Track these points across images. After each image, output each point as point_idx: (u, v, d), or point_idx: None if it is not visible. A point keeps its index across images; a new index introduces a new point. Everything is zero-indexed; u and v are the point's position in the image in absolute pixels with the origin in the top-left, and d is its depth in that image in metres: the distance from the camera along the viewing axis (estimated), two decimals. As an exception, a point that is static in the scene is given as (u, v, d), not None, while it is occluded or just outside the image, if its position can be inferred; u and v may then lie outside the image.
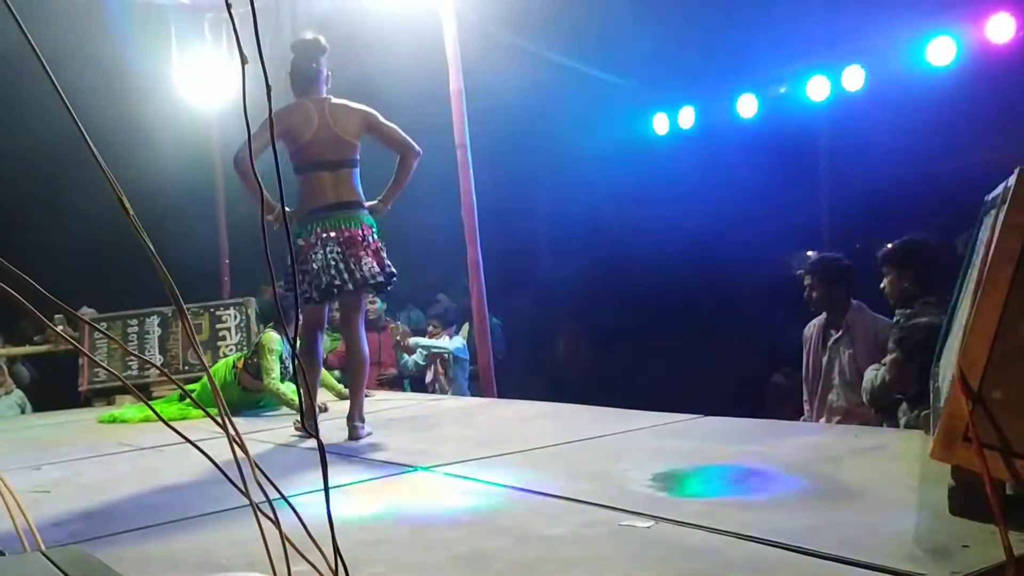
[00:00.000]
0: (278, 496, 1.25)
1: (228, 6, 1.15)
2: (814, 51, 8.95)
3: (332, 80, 4.65)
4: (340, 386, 6.39)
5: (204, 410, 1.34)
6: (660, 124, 10.84)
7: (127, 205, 1.10)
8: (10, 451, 4.97)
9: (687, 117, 10.48)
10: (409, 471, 3.52)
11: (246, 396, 6.13)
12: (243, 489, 1.19)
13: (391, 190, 4.72)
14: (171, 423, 1.45)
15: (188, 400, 6.14)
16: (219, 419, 1.29)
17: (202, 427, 1.45)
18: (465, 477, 3.31)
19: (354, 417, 4.43)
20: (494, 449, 3.85)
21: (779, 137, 9.33)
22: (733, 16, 8.79)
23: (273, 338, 6.07)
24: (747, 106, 9.70)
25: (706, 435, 3.94)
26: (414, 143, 4.63)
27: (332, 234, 4.39)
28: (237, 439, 1.15)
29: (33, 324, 9.33)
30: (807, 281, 5.26)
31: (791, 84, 9.36)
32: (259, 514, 1.20)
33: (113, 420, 6.24)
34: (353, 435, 4.37)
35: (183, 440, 3.87)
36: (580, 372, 10.75)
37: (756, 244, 9.09)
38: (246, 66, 1.35)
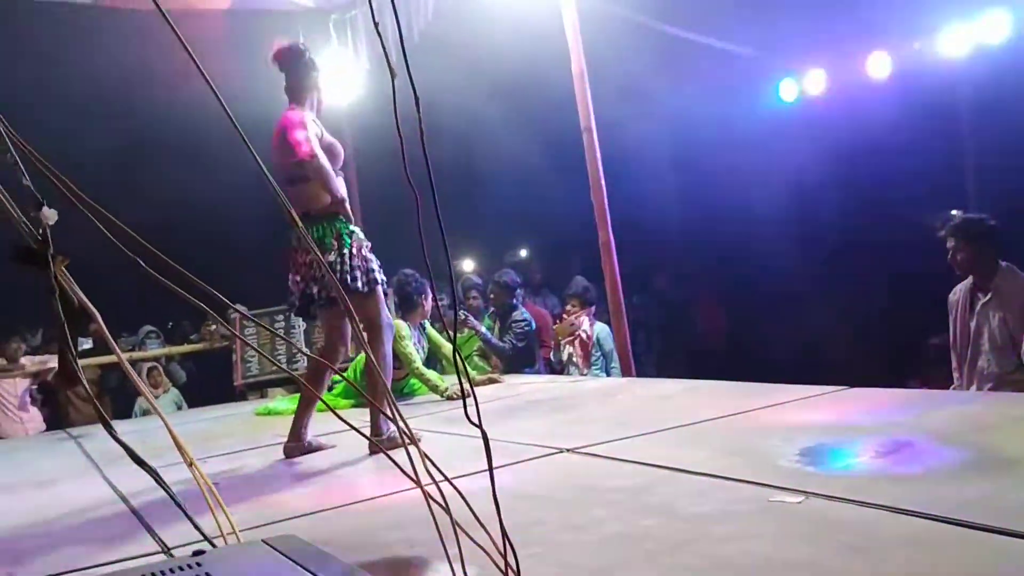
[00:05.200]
0: (443, 479, 1.33)
1: (376, 24, 1.23)
2: (948, 2, 8.54)
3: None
4: (473, 371, 6.56)
5: (368, 399, 1.43)
6: (788, 91, 10.57)
7: (293, 214, 1.19)
8: (172, 446, 5.29)
9: (816, 82, 10.19)
10: (554, 453, 3.60)
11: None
12: (413, 476, 1.27)
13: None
14: (330, 412, 1.54)
15: (336, 390, 6.46)
16: (381, 409, 1.38)
17: (353, 416, 1.55)
18: (610, 457, 3.36)
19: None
20: (637, 428, 3.88)
21: (916, 96, 8.95)
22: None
23: (401, 325, 6.26)
24: (879, 66, 9.35)
25: (852, 407, 3.87)
26: (296, 154, 4.17)
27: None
28: (407, 429, 1.24)
29: (191, 324, 9.91)
30: (950, 244, 5.08)
31: (925, 40, 8.96)
32: (429, 498, 1.28)
33: (268, 412, 6.57)
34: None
35: (336, 430, 4.08)
36: (719, 348, 10.64)
37: (898, 207, 8.78)
38: (373, 74, 1.42)
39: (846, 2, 8.92)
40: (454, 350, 1.42)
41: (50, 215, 1.12)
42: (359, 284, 4.18)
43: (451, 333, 7.37)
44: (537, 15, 7.00)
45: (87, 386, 1.12)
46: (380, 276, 4.32)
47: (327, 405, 1.58)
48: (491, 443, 1.35)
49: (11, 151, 1.13)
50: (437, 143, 1.51)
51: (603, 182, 6.40)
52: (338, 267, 4.16)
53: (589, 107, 6.42)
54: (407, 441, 1.28)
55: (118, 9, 8.16)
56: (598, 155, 6.40)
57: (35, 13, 7.95)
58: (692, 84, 10.10)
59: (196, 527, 1.14)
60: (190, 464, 1.21)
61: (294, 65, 4.39)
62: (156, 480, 1.10)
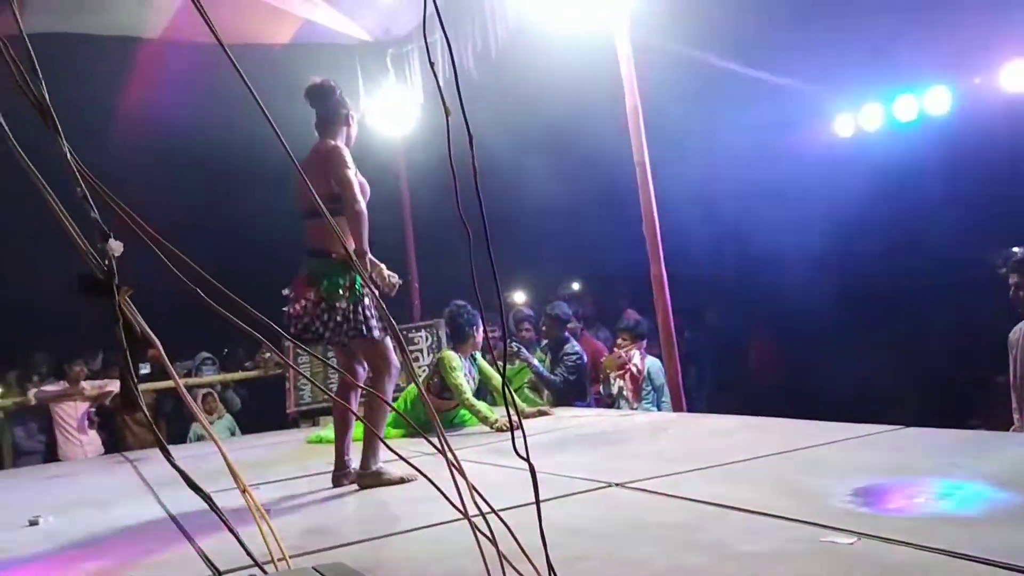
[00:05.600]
0: (489, 511, 1.34)
1: (431, 64, 1.26)
2: (1012, 38, 8.43)
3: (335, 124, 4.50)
4: (522, 403, 6.54)
5: (420, 431, 1.45)
6: (843, 125, 10.49)
7: (350, 251, 1.22)
8: (225, 472, 5.37)
9: (873, 116, 10.10)
10: (603, 487, 3.58)
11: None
12: (461, 508, 1.28)
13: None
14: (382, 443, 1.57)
15: (387, 420, 6.49)
16: (434, 440, 1.40)
17: (402, 446, 1.56)
18: (659, 493, 3.33)
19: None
20: (688, 464, 3.85)
21: (977, 130, 8.83)
22: (914, 8, 8.42)
23: (452, 356, 6.29)
24: (938, 100, 9.25)
25: (909, 447, 3.80)
26: (353, 202, 4.17)
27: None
28: (455, 460, 1.25)
29: (246, 351, 10.07)
30: (1013, 280, 4.97)
31: (987, 75, 8.85)
32: (476, 530, 1.29)
33: (319, 440, 6.62)
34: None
35: (384, 460, 4.08)
36: (772, 384, 10.51)
37: (956, 243, 8.63)
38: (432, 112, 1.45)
39: (904, 37, 8.85)
40: (503, 382, 1.44)
41: (116, 247, 1.16)
42: (375, 333, 4.19)
43: (501, 365, 7.40)
44: (590, 49, 7.06)
45: (147, 412, 1.16)
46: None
47: (380, 438, 1.60)
48: (539, 476, 1.35)
49: (81, 186, 1.18)
50: (489, 174, 1.53)
51: (656, 216, 6.39)
52: (351, 315, 4.14)
53: (643, 141, 6.43)
54: (455, 472, 1.30)
55: (180, 43, 8.41)
56: (651, 189, 6.40)
57: (103, 47, 8.22)
58: (746, 118, 10.07)
59: (248, 553, 1.16)
60: (243, 491, 1.23)
61: (325, 101, 4.45)
62: (209, 505, 1.13)
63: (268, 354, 9.31)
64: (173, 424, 9.03)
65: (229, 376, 9.46)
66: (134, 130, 9.38)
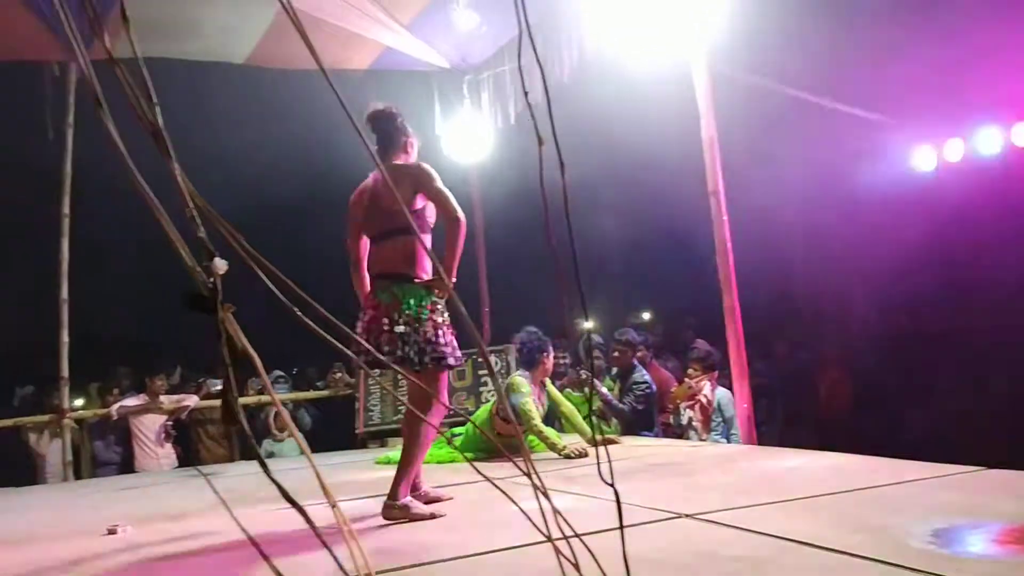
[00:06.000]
0: (573, 535, 1.35)
1: (525, 93, 1.29)
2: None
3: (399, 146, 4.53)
4: (590, 431, 6.44)
5: (506, 453, 1.47)
6: (924, 159, 10.32)
7: (440, 274, 1.24)
8: (298, 489, 5.45)
9: (954, 150, 9.92)
10: (674, 517, 3.56)
11: (501, 440, 6.29)
12: (545, 531, 1.30)
13: (444, 263, 4.15)
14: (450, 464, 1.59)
15: (457, 442, 6.52)
16: (519, 462, 1.42)
17: (470, 469, 1.57)
18: (731, 525, 3.30)
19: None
20: (758, 498, 3.80)
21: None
22: (1000, 44, 8.25)
23: (521, 382, 6.29)
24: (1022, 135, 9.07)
25: (990, 489, 3.70)
26: (456, 210, 4.19)
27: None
28: (540, 483, 1.27)
29: (317, 370, 10.23)
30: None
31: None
32: (560, 554, 1.30)
33: (388, 461, 6.67)
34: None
35: (459, 482, 4.13)
36: (845, 419, 10.29)
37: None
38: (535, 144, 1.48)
39: (984, 72, 8.68)
40: (589, 408, 1.45)
41: (221, 265, 1.21)
42: (451, 360, 4.13)
43: (572, 392, 7.39)
44: (667, 79, 7.06)
45: (246, 426, 1.20)
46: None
47: (465, 456, 1.62)
48: (609, 504, 1.36)
49: (189, 207, 1.23)
50: (558, 202, 1.55)
51: (729, 246, 6.34)
52: (433, 339, 4.09)
53: (718, 172, 6.39)
54: (539, 495, 1.31)
55: (267, 68, 8.66)
56: (725, 219, 6.36)
57: (195, 73, 8.51)
58: (821, 150, 9.98)
59: (340, 566, 1.19)
60: (333, 505, 1.27)
61: (386, 127, 4.48)
62: (304, 518, 1.16)
63: (339, 374, 9.44)
64: (243, 440, 9.18)
65: (301, 395, 9.61)
66: (207, 155, 9.69)
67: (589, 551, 1.33)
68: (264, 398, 9.12)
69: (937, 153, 10.21)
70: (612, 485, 1.33)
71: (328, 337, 1.33)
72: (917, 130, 10.24)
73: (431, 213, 4.35)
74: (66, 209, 8.36)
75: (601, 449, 1.78)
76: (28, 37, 7.51)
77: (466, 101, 9.47)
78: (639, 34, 7.12)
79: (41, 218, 8.55)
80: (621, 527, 1.32)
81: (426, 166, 4.33)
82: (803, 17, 8.31)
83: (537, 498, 1.31)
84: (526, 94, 1.35)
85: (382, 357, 3.90)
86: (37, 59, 8.17)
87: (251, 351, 1.21)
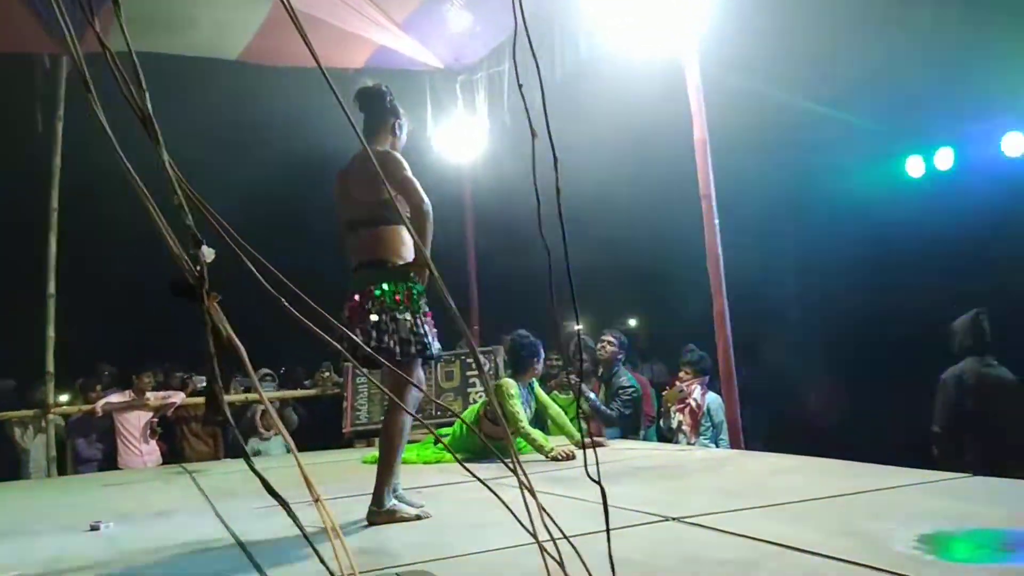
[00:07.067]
0: (561, 536, 1.34)
1: (520, 86, 1.28)
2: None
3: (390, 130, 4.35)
4: (577, 434, 6.40)
5: (496, 454, 1.46)
6: (914, 167, 10.37)
7: (434, 270, 1.24)
8: (284, 487, 5.43)
9: (944, 159, 9.97)
10: (660, 520, 3.54)
11: (489, 442, 6.25)
12: (531, 531, 1.29)
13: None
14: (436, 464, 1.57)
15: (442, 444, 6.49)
16: (508, 462, 1.40)
17: (456, 470, 1.56)
18: (717, 529, 3.29)
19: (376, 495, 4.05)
20: (746, 501, 3.80)
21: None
22: (988, 54, 8.29)
23: (510, 383, 6.28)
24: (1014, 145, 9.10)
25: (978, 496, 3.70)
26: (423, 200, 3.98)
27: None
28: (527, 481, 1.25)
29: (304, 369, 10.19)
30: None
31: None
32: (546, 553, 1.29)
33: (375, 461, 6.64)
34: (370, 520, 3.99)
35: (450, 481, 4.11)
36: (831, 425, 10.31)
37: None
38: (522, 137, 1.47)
39: (977, 81, 8.71)
40: (578, 409, 1.44)
41: (208, 253, 1.19)
42: (432, 351, 4.03)
43: (559, 394, 7.38)
44: (658, 82, 7.06)
45: (230, 419, 1.18)
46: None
47: (456, 456, 1.61)
48: (596, 506, 1.34)
49: (178, 194, 1.21)
50: (550, 199, 1.53)
51: (720, 250, 6.34)
52: (413, 328, 3.97)
53: (709, 175, 6.40)
54: (526, 495, 1.30)
55: (261, 66, 8.63)
56: (716, 223, 6.36)
57: (186, 68, 8.48)
58: (813, 155, 10.00)
59: (323, 564, 1.17)
60: (316, 500, 1.25)
61: (374, 106, 4.30)
62: (288, 513, 1.15)
63: (327, 373, 9.41)
64: (228, 436, 9.14)
65: (288, 393, 9.57)
66: (219, 145, 9.69)
67: (576, 551, 1.31)
68: (251, 395, 9.07)
69: (927, 160, 10.24)
70: (599, 483, 1.32)
71: (311, 326, 1.31)
72: (908, 138, 10.27)
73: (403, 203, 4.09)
74: (55, 204, 8.30)
75: (589, 451, 1.77)
76: (19, 29, 7.46)
77: (459, 101, 9.46)
78: (632, 36, 7.11)
79: (29, 213, 8.49)
80: (607, 527, 1.31)
81: (394, 154, 4.16)
82: (796, 21, 8.34)
83: (524, 497, 1.29)
84: (520, 85, 1.34)
85: (366, 347, 3.76)
86: (28, 51, 8.11)
87: (235, 340, 1.19)
